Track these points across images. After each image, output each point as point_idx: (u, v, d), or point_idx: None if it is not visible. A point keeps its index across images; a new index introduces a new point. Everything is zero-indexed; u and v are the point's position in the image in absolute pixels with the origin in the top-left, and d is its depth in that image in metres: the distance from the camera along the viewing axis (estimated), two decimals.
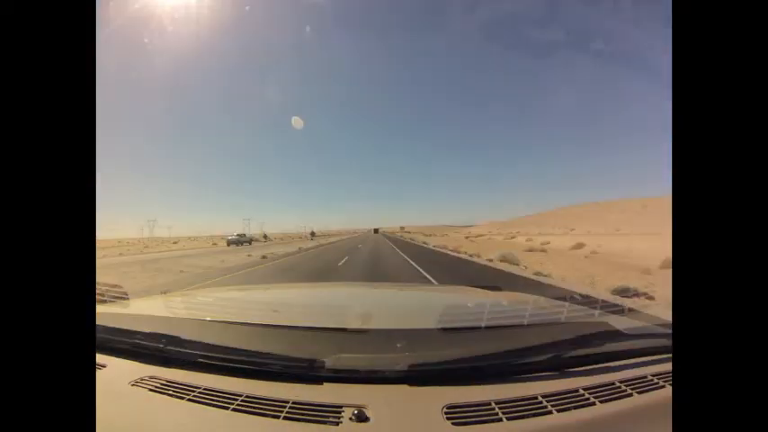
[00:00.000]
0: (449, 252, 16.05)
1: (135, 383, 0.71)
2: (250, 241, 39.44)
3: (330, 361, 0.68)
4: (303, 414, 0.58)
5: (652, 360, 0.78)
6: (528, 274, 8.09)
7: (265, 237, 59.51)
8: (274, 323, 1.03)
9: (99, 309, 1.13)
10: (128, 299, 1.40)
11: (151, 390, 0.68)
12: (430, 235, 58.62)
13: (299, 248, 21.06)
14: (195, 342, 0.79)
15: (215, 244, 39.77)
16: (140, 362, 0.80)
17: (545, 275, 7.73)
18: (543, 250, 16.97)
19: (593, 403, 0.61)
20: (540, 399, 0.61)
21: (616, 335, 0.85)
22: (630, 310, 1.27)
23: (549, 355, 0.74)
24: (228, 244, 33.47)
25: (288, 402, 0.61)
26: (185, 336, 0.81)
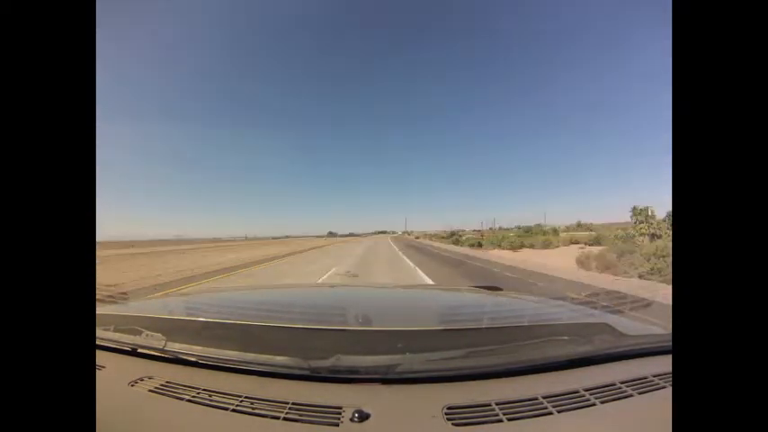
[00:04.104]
0: None
1: (134, 384, 0.71)
2: None
3: (330, 361, 0.68)
4: (303, 414, 0.58)
5: (652, 360, 0.78)
6: None
7: None
8: (274, 324, 1.03)
9: (99, 309, 1.13)
10: (128, 299, 1.40)
11: (150, 390, 0.68)
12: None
13: None
14: (195, 342, 0.79)
15: None
16: (140, 362, 0.80)
17: None
18: None
19: (594, 404, 0.61)
20: (541, 399, 0.61)
21: (616, 335, 0.84)
22: (630, 310, 1.27)
23: (550, 356, 0.74)
24: None
25: (288, 402, 0.61)
26: (185, 336, 0.81)
